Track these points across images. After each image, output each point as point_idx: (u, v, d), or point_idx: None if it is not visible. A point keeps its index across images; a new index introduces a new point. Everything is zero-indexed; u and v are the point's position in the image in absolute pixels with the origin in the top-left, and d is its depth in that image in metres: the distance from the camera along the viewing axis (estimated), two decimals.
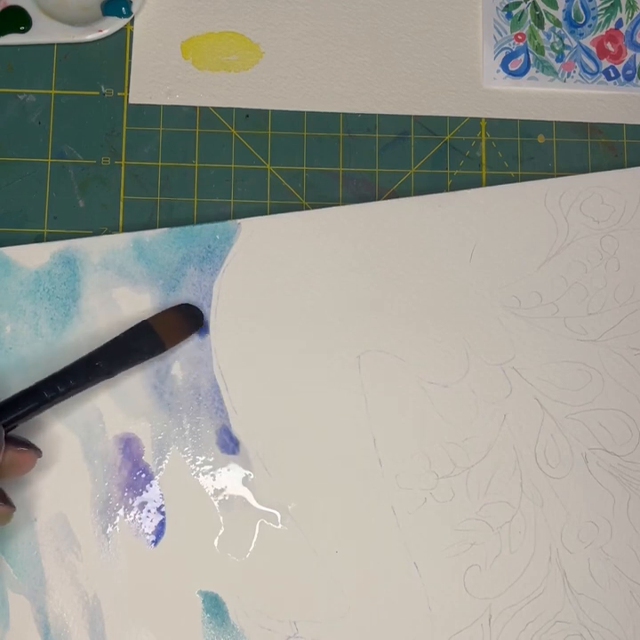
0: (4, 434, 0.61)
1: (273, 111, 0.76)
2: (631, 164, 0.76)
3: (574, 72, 0.76)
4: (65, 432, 0.70)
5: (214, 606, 0.69)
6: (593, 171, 0.76)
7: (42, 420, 0.69)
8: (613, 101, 0.76)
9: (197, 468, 0.70)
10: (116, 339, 0.66)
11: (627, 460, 0.70)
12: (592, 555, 0.69)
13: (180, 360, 0.70)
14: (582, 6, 0.77)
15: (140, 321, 0.67)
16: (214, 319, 0.72)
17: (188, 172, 0.74)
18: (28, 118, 0.75)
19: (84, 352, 0.68)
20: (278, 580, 0.69)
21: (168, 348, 0.67)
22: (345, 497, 0.71)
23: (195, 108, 0.75)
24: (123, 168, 0.74)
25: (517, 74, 0.76)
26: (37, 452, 0.63)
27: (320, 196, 0.74)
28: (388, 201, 0.74)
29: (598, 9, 0.77)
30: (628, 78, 0.76)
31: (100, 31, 0.75)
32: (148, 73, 0.75)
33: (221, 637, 0.68)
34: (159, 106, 0.75)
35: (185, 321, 0.69)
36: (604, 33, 0.77)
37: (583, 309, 0.72)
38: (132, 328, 0.66)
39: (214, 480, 0.70)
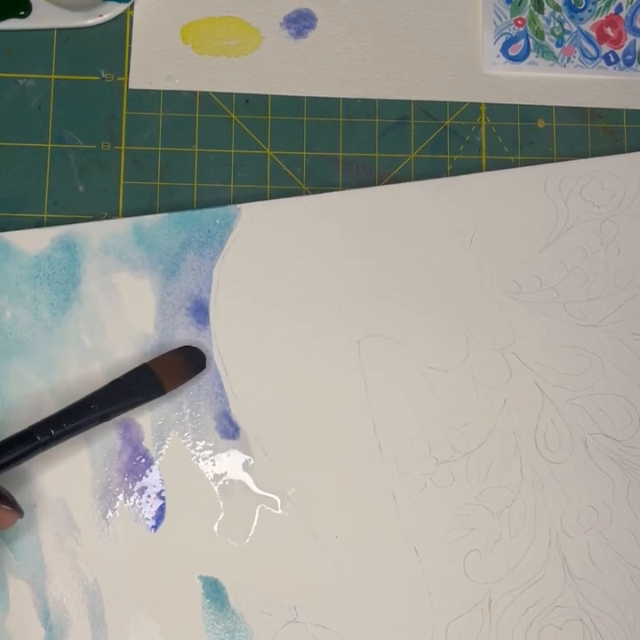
0: None
1: (273, 96, 0.73)
2: (631, 149, 0.73)
3: (574, 57, 0.73)
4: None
5: (214, 591, 0.66)
6: (593, 155, 0.73)
7: (42, 406, 0.67)
8: (613, 86, 0.73)
9: (197, 454, 0.67)
10: (114, 381, 0.63)
11: (627, 445, 0.68)
12: (592, 539, 0.67)
13: (180, 345, 0.67)
14: None
15: (139, 364, 0.64)
16: (214, 304, 0.70)
17: (188, 157, 0.71)
18: (28, 103, 0.72)
19: (83, 337, 0.66)
20: (278, 564, 0.67)
21: (167, 391, 0.64)
22: (345, 482, 0.68)
23: (194, 92, 0.72)
24: (123, 153, 0.71)
25: (517, 59, 0.73)
26: (19, 513, 0.60)
27: (320, 180, 0.71)
28: (388, 186, 0.72)
29: None
30: (628, 63, 0.73)
31: (101, 16, 0.72)
32: (147, 58, 0.72)
33: (221, 622, 0.66)
34: (159, 91, 0.73)
35: (186, 364, 0.66)
36: (603, 18, 0.74)
37: (583, 294, 0.69)
38: (131, 371, 0.64)
39: (214, 465, 0.68)
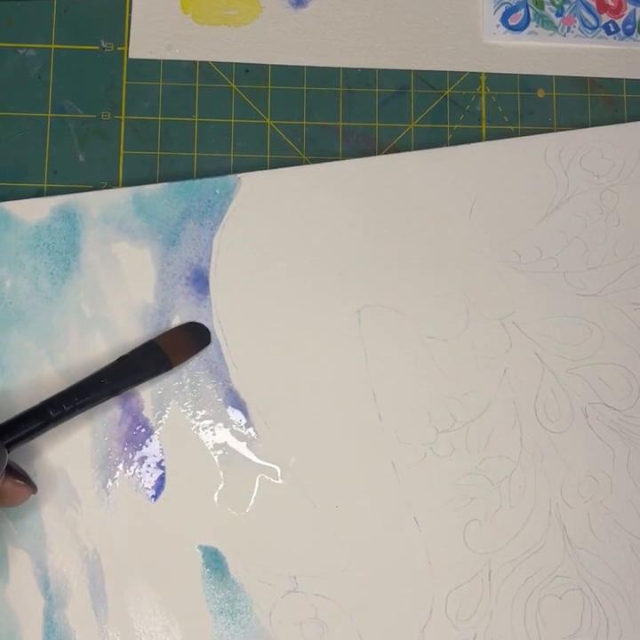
0: (7, 457, 0.55)
1: (273, 66, 0.69)
2: (631, 119, 0.69)
3: (574, 27, 0.68)
4: (65, 386, 0.62)
5: (214, 561, 0.63)
6: (593, 125, 0.69)
7: (43, 376, 0.64)
8: (613, 56, 0.69)
9: (197, 423, 0.63)
10: (122, 357, 0.61)
11: (627, 415, 0.64)
12: (592, 509, 0.63)
13: (180, 315, 0.64)
14: None
15: (146, 340, 0.62)
16: (214, 274, 0.66)
17: (188, 127, 0.66)
18: (28, 73, 0.68)
19: (83, 307, 0.63)
20: (278, 534, 0.63)
21: (174, 366, 0.62)
22: (345, 452, 0.64)
23: (194, 62, 0.68)
24: (123, 122, 0.67)
25: (517, 28, 0.68)
26: (33, 488, 0.58)
27: (320, 150, 0.67)
28: (388, 155, 0.68)
29: None
30: (628, 33, 0.68)
31: None
32: (147, 27, 0.68)
33: (221, 592, 0.62)
34: (159, 60, 0.69)
35: (192, 339, 0.64)
36: None
37: (583, 264, 0.65)
38: (138, 347, 0.62)
39: (214, 435, 0.64)
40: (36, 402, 0.59)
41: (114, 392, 0.60)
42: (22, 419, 0.57)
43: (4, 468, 0.54)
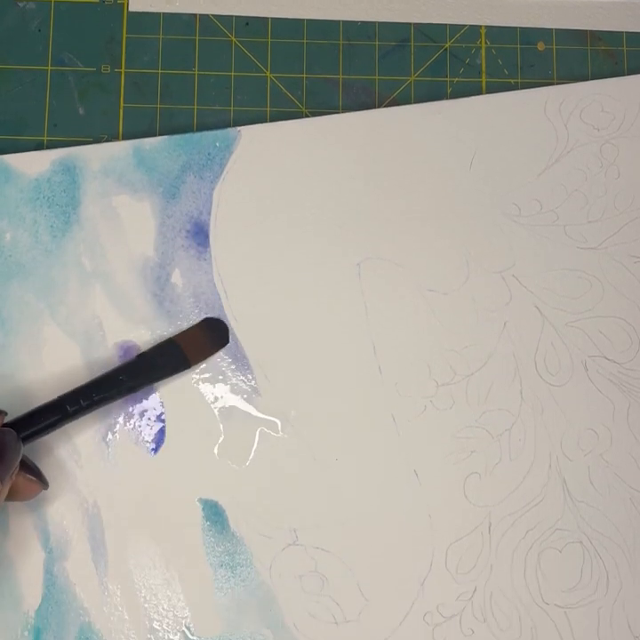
0: (22, 451, 0.49)
1: (273, 19, 0.61)
2: (631, 72, 0.61)
3: None
4: (65, 340, 0.57)
5: (214, 514, 0.56)
6: (593, 78, 0.61)
7: (43, 329, 0.57)
8: (613, 8, 0.61)
9: (197, 376, 0.57)
10: (141, 354, 0.54)
11: (626, 368, 0.56)
12: (592, 462, 0.55)
13: (179, 268, 0.56)
14: None
15: (166, 338, 0.56)
16: (214, 227, 0.58)
17: (188, 80, 0.58)
18: (27, 26, 0.61)
19: (83, 260, 0.56)
20: (278, 487, 0.56)
21: (193, 365, 0.55)
22: (345, 405, 0.57)
23: (194, 15, 0.60)
24: (123, 76, 0.59)
25: None
26: (44, 484, 0.51)
27: (320, 103, 0.58)
28: (388, 108, 0.60)
29: None
30: None
31: None
32: None
33: (221, 545, 0.55)
34: (159, 13, 0.61)
35: (211, 338, 0.56)
36: None
37: (583, 217, 0.57)
38: (158, 345, 0.55)
39: (214, 388, 0.57)
40: (36, 356, 0.54)
41: (131, 389, 0.53)
42: (39, 413, 0.51)
43: (17, 464, 0.48)
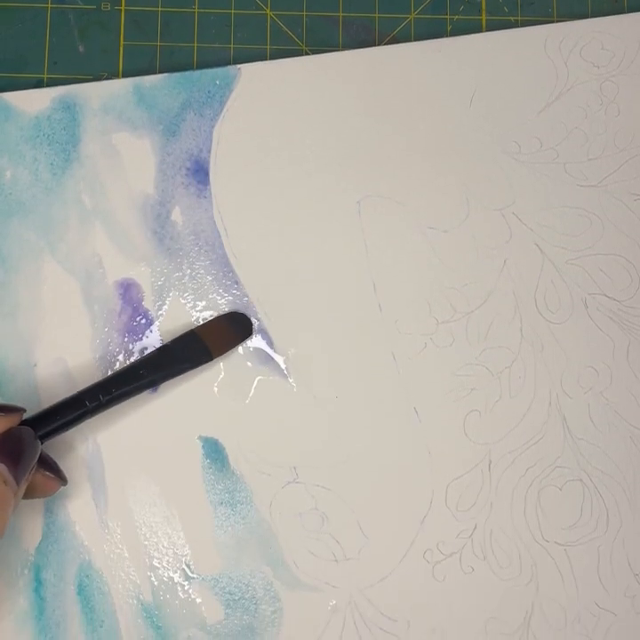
0: (40, 449, 0.39)
1: None
2: (631, 10, 0.51)
3: None
4: (65, 277, 0.46)
5: (214, 451, 0.45)
6: (593, 16, 0.51)
7: (43, 266, 0.46)
8: None
9: (197, 314, 0.47)
10: (162, 347, 0.44)
11: (626, 306, 0.45)
12: (592, 400, 0.45)
13: (180, 205, 0.46)
14: None
15: (187, 330, 0.45)
16: (214, 165, 0.48)
17: (188, 18, 0.47)
18: None
19: (83, 197, 0.46)
20: (278, 425, 0.46)
21: (215, 357, 0.45)
22: (345, 342, 0.47)
23: None
24: (123, 13, 0.48)
25: None
26: (63, 480, 0.41)
27: (320, 41, 0.47)
28: (388, 46, 0.49)
29: None
30: None
31: None
32: None
33: (221, 483, 0.45)
34: None
35: (233, 330, 0.46)
36: None
37: (583, 154, 0.46)
38: (178, 337, 0.44)
39: None
40: (36, 293, 0.44)
41: (152, 383, 0.43)
42: (57, 409, 0.40)
43: (35, 462, 0.38)
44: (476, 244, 0.47)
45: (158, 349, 0.44)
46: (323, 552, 0.44)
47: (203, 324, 0.46)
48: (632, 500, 0.46)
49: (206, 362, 0.45)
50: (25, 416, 0.39)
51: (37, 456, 0.38)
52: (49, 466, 0.41)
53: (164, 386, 0.45)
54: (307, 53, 0.49)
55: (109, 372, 0.44)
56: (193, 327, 0.45)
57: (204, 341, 0.45)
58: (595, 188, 0.48)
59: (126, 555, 0.44)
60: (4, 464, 0.36)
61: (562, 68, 0.49)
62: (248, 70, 0.48)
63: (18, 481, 0.36)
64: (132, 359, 0.46)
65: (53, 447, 0.44)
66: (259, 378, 0.46)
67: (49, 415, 0.40)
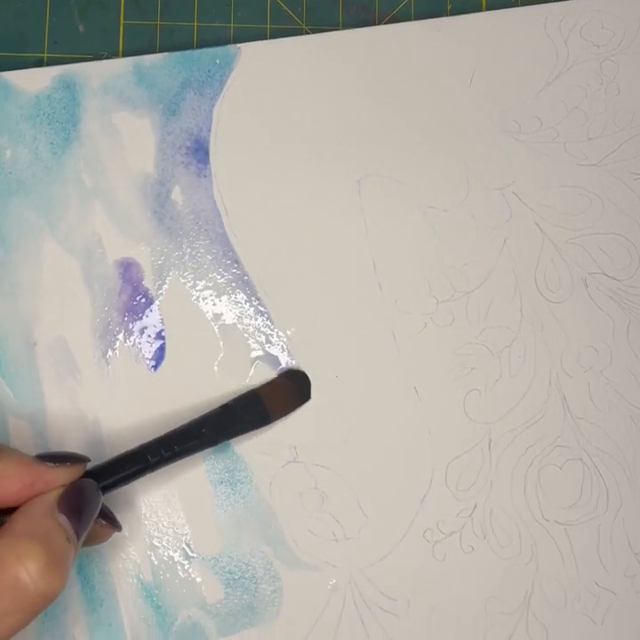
0: (101, 501, 0.31)
1: None
2: None
3: None
4: (65, 256, 0.39)
5: None
6: None
7: (43, 246, 0.39)
8: None
9: (197, 294, 0.39)
10: (224, 406, 0.37)
11: (626, 285, 0.38)
12: (592, 379, 0.38)
13: (180, 185, 0.39)
14: None
15: (249, 390, 0.37)
16: (214, 144, 0.41)
17: None
18: None
19: (83, 177, 0.39)
20: None
21: (273, 421, 0.37)
22: (345, 321, 0.40)
23: None
24: None
25: None
26: (118, 528, 0.33)
27: (320, 20, 0.40)
28: (388, 25, 0.42)
29: None
30: None
31: None
32: None
33: (221, 462, 0.38)
34: None
35: (293, 393, 0.38)
36: None
37: (583, 134, 0.38)
38: (241, 396, 0.37)
39: (214, 305, 0.40)
40: (36, 272, 0.37)
41: (213, 442, 0.36)
42: (120, 462, 0.33)
43: (97, 512, 0.31)
44: (475, 224, 0.40)
45: (220, 408, 0.37)
46: (323, 531, 0.37)
47: (265, 384, 0.38)
48: (632, 480, 0.38)
49: (264, 425, 0.37)
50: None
51: (99, 509, 0.31)
52: (106, 516, 0.33)
53: (164, 365, 0.38)
54: (307, 32, 0.42)
55: (170, 428, 0.36)
56: (255, 387, 0.38)
57: (264, 404, 0.37)
58: (595, 168, 0.41)
59: (126, 534, 0.37)
60: (67, 519, 0.29)
61: (562, 48, 0.41)
62: (248, 49, 0.41)
63: (79, 536, 0.29)
64: (133, 338, 0.38)
65: None
66: (258, 357, 0.38)
67: (110, 468, 0.33)
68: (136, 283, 0.39)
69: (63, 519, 0.29)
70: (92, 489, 0.31)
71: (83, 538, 0.30)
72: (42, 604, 0.26)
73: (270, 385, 0.38)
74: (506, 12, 0.42)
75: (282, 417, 0.38)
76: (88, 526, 0.30)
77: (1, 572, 0.25)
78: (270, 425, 0.38)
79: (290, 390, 0.39)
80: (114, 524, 0.33)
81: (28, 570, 0.25)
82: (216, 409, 0.37)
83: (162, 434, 0.35)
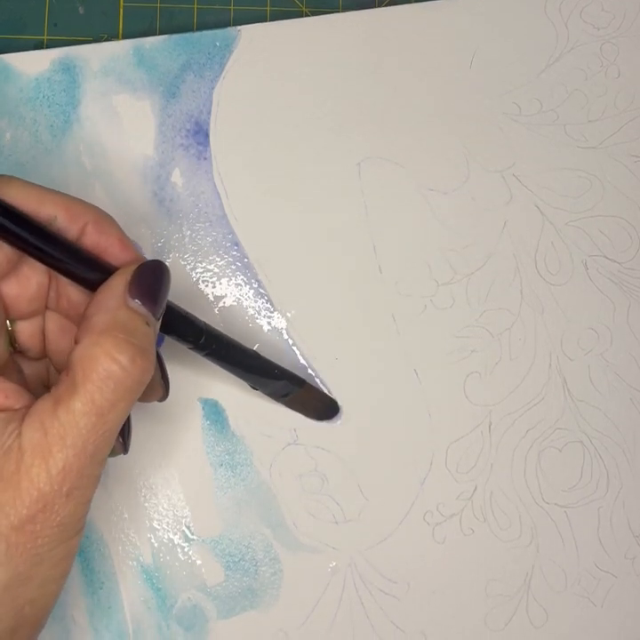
0: (171, 278, 0.29)
1: None
2: None
3: None
4: None
5: (214, 413, 0.36)
6: None
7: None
8: None
9: (197, 276, 0.37)
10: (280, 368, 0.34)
11: (627, 267, 0.36)
12: (592, 362, 0.36)
13: (180, 167, 0.36)
14: None
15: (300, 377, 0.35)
16: (214, 126, 0.38)
17: None
18: None
19: (83, 159, 0.37)
20: None
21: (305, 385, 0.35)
22: (345, 304, 0.38)
23: None
24: None
25: None
26: (124, 450, 0.30)
27: (320, 2, 0.38)
28: (389, 8, 0.40)
29: None
30: None
31: None
32: None
33: (221, 444, 0.37)
34: None
35: (319, 409, 0.36)
36: None
37: (583, 116, 0.36)
38: (292, 376, 0.35)
39: (214, 288, 0.38)
40: None
41: (256, 375, 0.34)
42: (179, 317, 0.30)
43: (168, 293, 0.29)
44: (476, 206, 0.38)
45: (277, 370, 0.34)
46: (323, 514, 0.35)
47: (312, 386, 0.36)
48: (632, 462, 0.36)
49: (296, 386, 0.35)
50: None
51: (169, 290, 0.29)
52: (123, 432, 0.30)
53: (163, 347, 0.35)
54: (307, 15, 0.39)
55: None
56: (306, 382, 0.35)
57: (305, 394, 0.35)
58: (595, 150, 0.38)
59: (126, 516, 0.35)
60: (141, 303, 0.27)
61: (562, 30, 0.39)
62: (248, 32, 0.39)
63: (156, 316, 0.28)
64: None
65: None
66: (259, 340, 0.36)
67: (172, 312, 0.30)
68: None
69: (137, 305, 0.27)
70: (160, 268, 0.29)
71: (160, 316, 0.28)
72: (138, 390, 0.26)
73: (315, 391, 0.36)
74: None
75: (300, 411, 0.36)
76: (163, 305, 0.29)
77: (95, 369, 0.25)
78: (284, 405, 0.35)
79: (322, 403, 0.36)
80: (124, 444, 0.30)
81: (120, 362, 0.25)
82: (278, 366, 0.34)
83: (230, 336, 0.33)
